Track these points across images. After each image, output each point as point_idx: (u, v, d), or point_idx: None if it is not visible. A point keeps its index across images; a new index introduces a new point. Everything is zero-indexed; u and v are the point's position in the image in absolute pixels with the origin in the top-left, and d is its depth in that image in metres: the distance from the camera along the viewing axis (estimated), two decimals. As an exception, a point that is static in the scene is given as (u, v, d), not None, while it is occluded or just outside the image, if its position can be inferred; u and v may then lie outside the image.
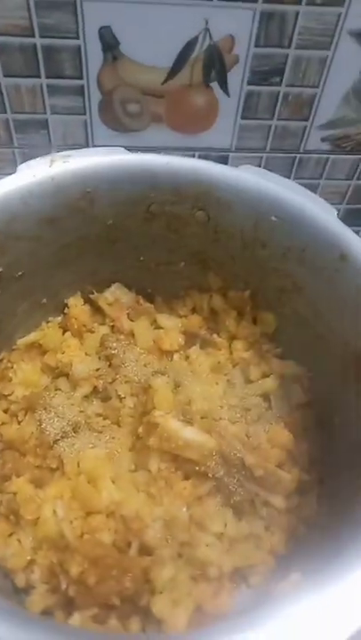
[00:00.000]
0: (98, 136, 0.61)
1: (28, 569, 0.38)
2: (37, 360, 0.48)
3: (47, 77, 0.56)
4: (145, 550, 0.38)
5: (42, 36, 0.52)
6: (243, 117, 0.61)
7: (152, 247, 0.49)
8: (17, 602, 0.37)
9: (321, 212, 0.42)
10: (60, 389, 0.46)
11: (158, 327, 0.51)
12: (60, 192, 0.42)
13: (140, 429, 0.42)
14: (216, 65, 0.56)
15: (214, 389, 0.46)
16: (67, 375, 0.47)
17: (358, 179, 0.69)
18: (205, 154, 0.64)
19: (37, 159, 0.43)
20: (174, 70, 0.56)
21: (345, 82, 0.58)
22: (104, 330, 0.50)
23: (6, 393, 0.45)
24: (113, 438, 0.43)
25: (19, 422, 0.44)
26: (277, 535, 0.42)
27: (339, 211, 0.73)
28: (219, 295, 0.51)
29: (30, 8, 0.50)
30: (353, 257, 0.40)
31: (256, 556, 0.41)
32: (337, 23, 0.53)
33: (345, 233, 0.41)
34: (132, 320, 0.51)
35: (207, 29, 0.53)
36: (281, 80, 0.58)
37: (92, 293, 0.51)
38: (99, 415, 0.45)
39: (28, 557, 0.38)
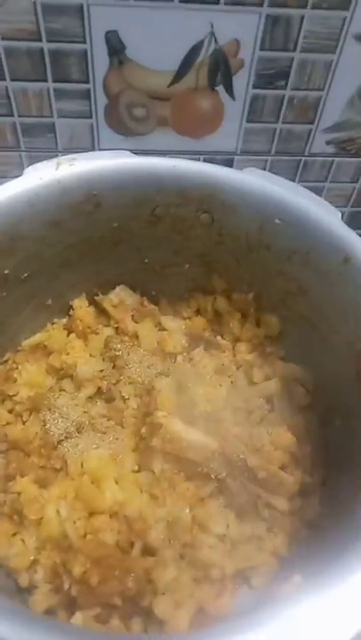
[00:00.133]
0: (104, 140, 0.62)
1: (31, 569, 0.38)
2: (42, 361, 0.48)
3: (54, 81, 0.56)
4: (148, 551, 0.38)
5: (49, 41, 0.53)
6: (248, 121, 0.61)
7: (157, 249, 0.49)
8: (20, 601, 0.37)
9: (325, 215, 0.42)
10: (64, 390, 0.47)
11: (162, 329, 0.52)
12: (65, 195, 0.43)
13: (144, 430, 0.42)
14: (221, 69, 0.56)
15: (218, 391, 0.46)
16: (71, 376, 0.47)
17: (363, 182, 0.69)
18: (211, 157, 0.64)
19: (44, 162, 0.43)
20: (180, 74, 0.56)
21: (350, 85, 0.58)
22: (108, 331, 0.50)
23: (11, 393, 0.46)
24: (116, 439, 0.43)
25: (23, 423, 0.45)
26: (280, 537, 0.42)
27: (343, 213, 0.73)
28: (223, 297, 0.51)
29: (37, 12, 0.51)
30: (357, 260, 0.40)
31: (258, 557, 0.41)
32: (342, 27, 0.53)
33: (349, 236, 0.41)
34: (136, 322, 0.51)
35: (213, 33, 0.53)
36: (286, 83, 0.58)
37: (97, 295, 0.52)
38: (102, 416, 0.45)
39: (32, 557, 0.38)
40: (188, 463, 0.41)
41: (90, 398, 0.46)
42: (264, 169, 0.66)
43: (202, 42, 0.54)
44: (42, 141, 0.62)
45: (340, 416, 0.42)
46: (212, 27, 0.53)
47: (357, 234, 0.41)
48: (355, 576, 0.28)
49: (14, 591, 0.37)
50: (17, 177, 0.42)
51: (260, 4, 0.51)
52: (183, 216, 0.46)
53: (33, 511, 0.39)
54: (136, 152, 0.45)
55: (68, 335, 0.50)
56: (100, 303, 0.51)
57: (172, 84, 0.57)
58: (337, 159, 0.66)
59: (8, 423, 0.45)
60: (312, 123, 0.62)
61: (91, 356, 0.48)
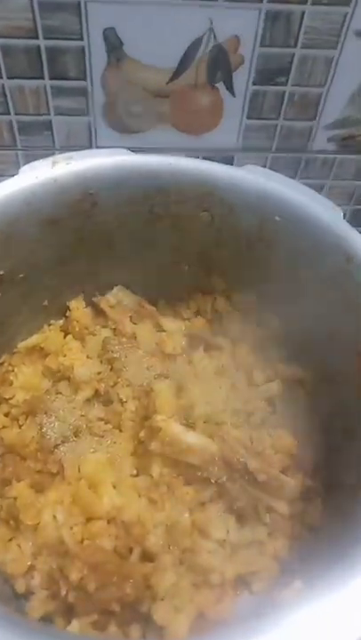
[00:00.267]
0: (102, 137, 0.61)
1: (27, 574, 0.37)
2: (39, 363, 0.48)
3: (51, 79, 0.56)
4: (146, 556, 0.38)
5: (46, 38, 0.52)
6: (248, 117, 0.60)
7: (155, 249, 0.49)
8: (16, 607, 0.36)
9: (326, 213, 0.41)
10: (61, 393, 0.46)
11: (161, 330, 0.51)
12: (62, 193, 0.42)
13: (142, 434, 0.42)
14: (221, 65, 0.55)
15: (217, 393, 0.45)
16: (68, 378, 0.46)
17: (365, 179, 0.68)
18: (211, 154, 0.63)
19: (40, 161, 0.43)
20: (179, 71, 0.56)
21: (351, 81, 0.57)
22: (106, 333, 0.50)
23: (7, 396, 0.45)
24: (114, 443, 0.43)
25: (19, 426, 0.44)
26: (281, 541, 0.41)
27: (346, 211, 0.72)
28: (223, 297, 0.51)
29: (34, 9, 0.50)
30: (358, 259, 0.39)
31: (259, 562, 0.40)
32: (343, 23, 0.52)
33: (350, 234, 0.40)
34: (134, 323, 0.50)
35: (212, 29, 0.53)
36: (287, 80, 0.57)
37: (95, 296, 0.51)
38: (100, 419, 0.45)
39: (28, 563, 0.37)
40: (187, 467, 0.41)
41: (87, 401, 0.46)
42: (265, 166, 0.65)
43: (201, 38, 0.53)
44: (39, 139, 0.61)
45: (342, 418, 0.42)
46: (212, 23, 0.52)
47: (360, 231, 0.41)
48: (356, 580, 0.28)
49: (11, 597, 0.37)
50: (13, 175, 0.42)
51: (260, 0, 0.50)
52: (182, 214, 0.45)
53: (29, 516, 0.38)
54: (135, 149, 0.44)
55: (64, 337, 0.49)
56: (97, 304, 0.51)
57: (171, 80, 0.56)
58: (339, 156, 0.65)
59: (4, 427, 0.44)
60: (313, 119, 0.61)
61: (88, 357, 0.48)
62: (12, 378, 0.46)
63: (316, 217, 0.41)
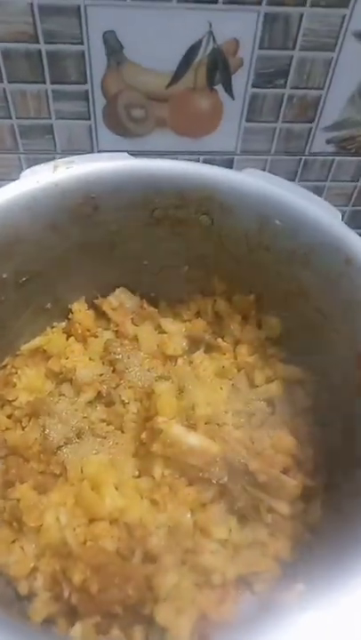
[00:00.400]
0: (102, 141, 0.61)
1: (30, 576, 0.38)
2: (41, 365, 0.48)
3: (52, 83, 0.56)
4: (148, 557, 0.38)
5: (46, 42, 0.53)
6: (247, 120, 0.60)
7: (156, 251, 0.49)
8: (19, 609, 0.36)
9: (325, 216, 0.41)
10: (63, 395, 0.46)
11: (162, 332, 0.51)
12: (63, 198, 0.42)
13: (144, 435, 0.42)
14: (220, 68, 0.56)
15: (218, 394, 0.46)
16: (70, 380, 0.47)
17: (365, 181, 0.69)
18: (210, 157, 0.64)
19: (41, 165, 0.43)
20: (178, 74, 0.56)
21: (350, 83, 0.58)
22: (108, 335, 0.50)
23: (10, 398, 0.45)
24: (116, 444, 0.43)
25: (23, 428, 0.44)
26: (282, 541, 0.41)
27: (344, 213, 0.72)
28: (223, 299, 0.51)
29: (35, 14, 0.50)
30: (358, 261, 0.39)
31: (261, 562, 0.41)
32: (342, 24, 0.53)
33: (349, 236, 0.40)
34: (136, 325, 0.51)
35: (211, 33, 0.53)
36: (286, 82, 0.57)
37: (97, 298, 0.51)
38: (102, 421, 0.45)
39: (31, 564, 0.38)
40: (188, 468, 0.41)
41: (89, 403, 0.46)
42: (264, 169, 0.66)
43: (200, 41, 0.53)
44: (40, 143, 0.61)
45: (342, 418, 0.42)
46: (211, 26, 0.52)
47: (359, 232, 0.41)
48: (356, 580, 0.28)
49: (14, 599, 0.37)
50: (15, 179, 0.42)
51: (259, 3, 0.50)
52: (182, 218, 0.46)
53: (32, 518, 0.38)
54: (135, 153, 0.44)
55: (67, 339, 0.50)
56: (99, 306, 0.51)
57: (170, 84, 0.56)
58: (337, 158, 0.65)
59: (7, 428, 0.45)
60: (312, 121, 0.61)
61: (90, 359, 0.48)
62: (15, 380, 0.46)
63: (315, 219, 0.41)
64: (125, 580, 0.35)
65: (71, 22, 0.51)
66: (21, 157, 0.63)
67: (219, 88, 0.57)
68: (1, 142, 0.61)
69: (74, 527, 0.38)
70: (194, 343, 0.50)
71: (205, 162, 0.61)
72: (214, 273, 0.50)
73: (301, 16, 0.52)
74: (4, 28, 0.51)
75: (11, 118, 0.59)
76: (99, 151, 0.62)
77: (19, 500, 0.40)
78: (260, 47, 0.54)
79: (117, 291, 0.52)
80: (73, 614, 0.36)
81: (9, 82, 0.55)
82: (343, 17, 0.52)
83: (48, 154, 0.62)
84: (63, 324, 0.51)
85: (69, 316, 0.51)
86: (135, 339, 0.50)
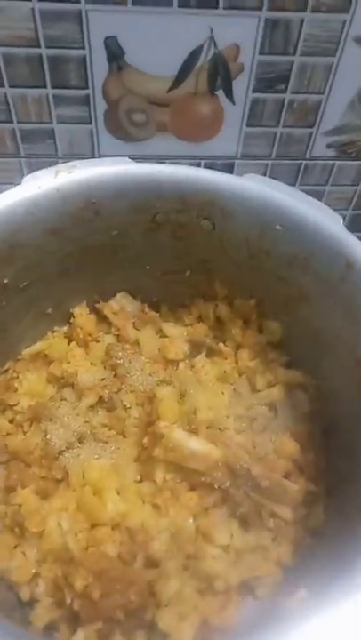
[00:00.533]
0: (104, 145, 0.62)
1: (32, 582, 0.37)
2: (43, 370, 0.48)
3: (53, 87, 0.56)
4: (150, 563, 0.38)
5: (47, 47, 0.53)
6: (248, 125, 0.61)
7: (157, 256, 0.49)
8: (21, 615, 0.36)
9: (326, 221, 0.41)
10: (65, 399, 0.46)
11: (164, 336, 0.51)
12: (65, 203, 0.42)
13: (146, 440, 0.42)
14: (221, 73, 0.56)
15: (220, 399, 0.46)
16: (72, 385, 0.47)
17: (365, 185, 0.69)
18: (211, 162, 0.64)
19: (43, 170, 0.43)
20: (179, 79, 0.56)
21: (350, 88, 0.58)
22: (109, 339, 0.50)
23: (12, 403, 0.45)
24: (118, 449, 0.43)
25: (24, 433, 0.44)
26: (284, 546, 0.41)
27: (345, 217, 0.72)
28: (224, 304, 0.51)
29: (36, 19, 0.50)
30: (358, 265, 0.39)
31: (263, 567, 0.41)
32: (342, 30, 0.53)
33: (350, 241, 0.40)
34: (137, 329, 0.51)
35: (212, 38, 0.53)
36: (286, 87, 0.57)
37: (98, 302, 0.51)
38: (104, 425, 0.45)
39: (33, 570, 0.38)
40: (190, 473, 0.41)
41: (91, 407, 0.46)
42: (265, 173, 0.66)
43: (201, 46, 0.53)
44: (41, 148, 0.61)
45: (344, 422, 0.42)
46: (212, 31, 0.52)
47: (360, 236, 0.41)
48: (359, 584, 0.28)
49: (15, 605, 0.37)
50: (17, 184, 0.42)
51: (260, 8, 0.51)
52: (183, 223, 0.46)
53: (34, 523, 0.38)
54: (136, 157, 0.44)
55: (68, 343, 0.50)
56: (100, 310, 0.51)
57: (171, 89, 0.57)
58: (338, 162, 0.65)
59: (9, 433, 0.45)
60: (312, 126, 0.61)
61: (92, 364, 0.48)
62: (16, 385, 0.46)
63: (316, 224, 0.41)
64: (127, 585, 0.35)
65: (72, 27, 0.51)
66: (23, 162, 0.63)
67: (220, 93, 0.58)
68: (2, 147, 0.61)
69: (76, 532, 0.38)
70: (195, 347, 0.50)
71: (206, 166, 0.61)
72: (215, 277, 0.50)
73: (302, 21, 0.52)
74: (6, 32, 0.51)
75: (12, 123, 0.59)
76: (100, 156, 0.63)
77: (20, 506, 0.40)
78: (261, 52, 0.54)
79: (119, 295, 0.52)
80: (75, 620, 0.35)
81: (10, 86, 0.56)
82: (344, 22, 0.52)
83: (49, 158, 0.62)
84: (64, 328, 0.51)
85: (71, 321, 0.51)
86: (137, 343, 0.50)
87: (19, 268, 0.43)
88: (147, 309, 0.52)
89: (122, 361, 0.47)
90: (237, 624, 0.37)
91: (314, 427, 0.45)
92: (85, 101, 0.57)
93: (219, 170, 0.44)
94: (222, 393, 0.47)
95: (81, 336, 0.49)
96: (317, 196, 0.67)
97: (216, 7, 0.50)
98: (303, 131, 0.62)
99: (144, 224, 0.46)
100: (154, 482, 0.41)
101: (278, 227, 0.43)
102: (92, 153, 0.62)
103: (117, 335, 0.50)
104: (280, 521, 0.41)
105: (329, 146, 0.63)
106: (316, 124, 0.61)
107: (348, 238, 0.41)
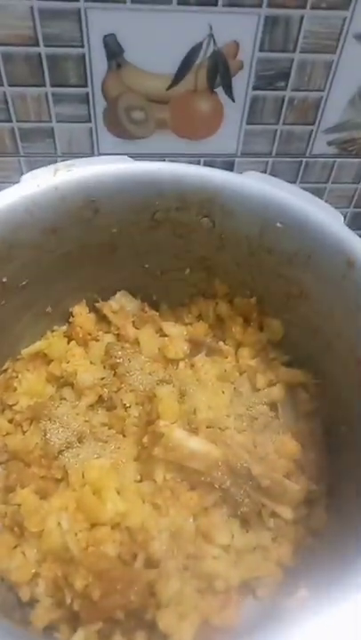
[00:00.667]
0: (103, 143, 0.61)
1: (32, 582, 0.37)
2: (42, 369, 0.48)
3: (52, 86, 0.56)
4: (150, 563, 0.37)
5: (46, 45, 0.53)
6: (248, 122, 0.60)
7: (157, 254, 0.49)
8: (21, 615, 0.36)
9: (327, 218, 0.41)
10: (64, 399, 0.46)
11: (163, 335, 0.51)
12: (64, 201, 0.42)
13: (146, 439, 0.42)
14: (221, 70, 0.56)
15: (220, 398, 0.45)
16: (71, 384, 0.46)
17: (366, 182, 0.69)
18: (211, 160, 0.64)
19: (41, 169, 0.43)
20: (179, 77, 0.56)
21: (351, 85, 0.58)
22: (109, 338, 0.50)
23: (11, 403, 0.45)
24: (118, 448, 0.43)
25: (23, 432, 0.44)
26: (285, 546, 0.41)
27: (346, 215, 0.72)
28: (224, 302, 0.51)
29: (35, 18, 0.50)
30: (359, 263, 0.39)
31: (263, 567, 0.40)
32: (342, 27, 0.53)
33: (351, 239, 0.40)
34: (137, 328, 0.50)
35: (211, 35, 0.53)
36: (286, 84, 0.57)
37: (97, 301, 0.51)
38: (104, 425, 0.45)
39: (33, 570, 0.37)
40: (191, 472, 0.41)
41: (91, 407, 0.46)
42: (265, 171, 0.65)
43: (200, 44, 0.53)
44: (41, 146, 0.61)
45: (345, 422, 0.42)
46: (211, 28, 0.52)
47: (360, 234, 0.41)
48: (359, 584, 0.28)
49: (15, 605, 0.37)
50: (16, 183, 0.42)
51: (259, 5, 0.50)
52: (183, 221, 0.46)
53: (34, 523, 0.38)
54: (136, 156, 0.44)
55: (68, 343, 0.49)
56: (100, 310, 0.51)
57: (170, 86, 0.56)
58: (338, 160, 0.65)
59: (8, 433, 0.44)
60: (313, 123, 0.61)
61: (91, 363, 0.48)
62: (15, 384, 0.46)
63: (317, 222, 0.41)
64: (128, 585, 0.35)
65: (71, 25, 0.51)
66: (22, 160, 0.63)
67: (219, 90, 0.57)
68: (1, 145, 0.61)
69: (75, 532, 0.38)
70: (195, 346, 0.50)
71: (206, 164, 0.61)
72: (216, 276, 0.50)
73: (302, 18, 0.52)
74: (5, 31, 0.51)
75: (11, 121, 0.59)
76: (99, 154, 0.62)
77: (20, 506, 0.39)
78: (261, 49, 0.54)
79: (118, 294, 0.52)
80: (75, 620, 0.35)
81: (9, 85, 0.55)
82: (344, 19, 0.52)
83: (48, 157, 0.62)
84: (64, 327, 0.51)
85: (70, 320, 0.50)
86: (136, 342, 0.49)
87: (17, 267, 0.43)
88: (146, 308, 0.52)
89: (121, 360, 0.47)
90: (238, 624, 0.37)
91: (315, 426, 0.45)
92: (85, 100, 0.57)
93: (219, 168, 0.44)
94: (223, 392, 0.46)
95: (80, 335, 0.49)
96: (318, 193, 0.67)
97: (215, 4, 0.50)
98: (304, 128, 0.61)
99: (143, 222, 0.46)
100: (154, 481, 0.41)
101: (279, 224, 0.43)
102: (92, 151, 0.62)
103: (117, 334, 0.50)
104: (281, 521, 0.41)
105: (330, 143, 0.63)
106: (317, 122, 0.61)
107: (349, 236, 0.40)
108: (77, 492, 0.40)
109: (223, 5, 0.50)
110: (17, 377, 0.47)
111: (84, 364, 0.47)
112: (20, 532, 0.39)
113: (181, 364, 0.48)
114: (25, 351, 0.48)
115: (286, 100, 0.59)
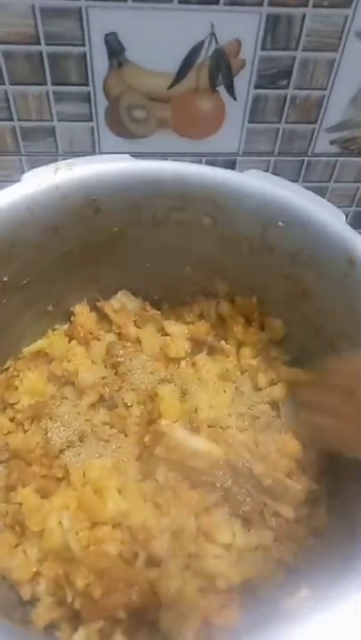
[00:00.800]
0: (104, 142, 0.61)
1: (33, 581, 0.37)
2: (43, 368, 0.48)
3: (53, 84, 0.56)
4: (152, 562, 0.37)
5: (48, 44, 0.53)
6: (250, 121, 0.60)
7: (158, 254, 0.49)
8: (22, 614, 0.36)
9: (329, 217, 0.41)
10: (66, 398, 0.46)
11: (165, 334, 0.51)
12: (65, 200, 0.42)
13: (147, 438, 0.42)
14: (222, 69, 0.55)
15: (222, 397, 0.45)
16: (73, 383, 0.46)
17: (368, 181, 0.68)
18: (213, 159, 0.64)
19: (42, 167, 0.43)
20: (180, 75, 0.56)
21: (353, 84, 0.57)
22: (110, 337, 0.50)
23: (12, 402, 0.45)
24: (119, 447, 0.43)
25: (24, 431, 0.44)
26: (286, 546, 0.41)
27: (348, 213, 0.72)
28: (226, 301, 0.51)
29: (36, 16, 0.50)
30: (361, 262, 0.39)
31: (265, 567, 0.40)
32: (344, 25, 0.52)
33: (353, 238, 0.40)
34: (138, 327, 0.50)
35: (213, 34, 0.53)
36: (288, 83, 0.57)
37: (99, 300, 0.51)
38: (105, 424, 0.45)
39: (34, 569, 0.37)
40: (192, 471, 0.41)
41: (92, 406, 0.46)
42: (267, 170, 0.65)
43: (202, 42, 0.53)
44: (42, 145, 0.61)
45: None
46: (213, 27, 0.52)
47: (362, 233, 0.41)
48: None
49: (17, 604, 0.37)
50: (17, 181, 0.42)
51: (261, 4, 0.50)
52: (185, 220, 0.45)
53: (35, 522, 0.38)
54: (137, 155, 0.44)
55: (69, 342, 0.49)
56: (101, 309, 0.51)
57: (172, 85, 0.56)
58: (341, 159, 0.65)
59: (9, 432, 0.44)
60: (315, 122, 0.61)
61: (92, 362, 0.48)
62: (16, 383, 0.46)
63: (319, 221, 0.41)
64: (129, 584, 0.35)
65: (73, 24, 0.51)
66: (23, 159, 0.63)
67: (221, 89, 0.57)
68: (2, 144, 0.61)
69: (77, 531, 0.38)
70: (197, 345, 0.50)
71: (208, 163, 0.61)
72: (217, 275, 0.50)
73: (304, 16, 0.52)
74: (6, 29, 0.51)
75: (12, 120, 0.59)
76: (100, 153, 0.62)
77: (21, 504, 0.39)
78: (263, 48, 0.54)
79: (120, 293, 0.52)
80: (76, 619, 0.35)
81: (10, 84, 0.55)
82: (346, 17, 0.52)
83: (50, 156, 0.62)
84: (65, 326, 0.51)
85: (71, 319, 0.50)
86: (138, 341, 0.49)
87: (18, 266, 0.43)
88: (148, 307, 0.52)
89: (123, 359, 0.47)
90: (239, 623, 0.37)
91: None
92: (86, 98, 0.57)
93: (220, 167, 0.44)
94: (224, 391, 0.46)
95: (82, 334, 0.49)
96: (320, 192, 0.67)
97: (217, 3, 0.50)
98: (306, 127, 0.61)
99: (145, 221, 0.46)
100: (155, 480, 0.41)
101: (281, 223, 0.42)
102: (93, 150, 0.62)
103: (118, 333, 0.50)
104: (282, 520, 0.41)
105: (332, 142, 0.63)
106: (319, 120, 0.61)
107: (352, 235, 0.40)
108: (78, 491, 0.40)
109: (225, 4, 0.50)
110: (18, 376, 0.47)
111: (86, 363, 0.47)
112: (21, 530, 0.39)
113: (183, 363, 0.48)
114: (26, 350, 0.48)
115: (288, 98, 0.58)
